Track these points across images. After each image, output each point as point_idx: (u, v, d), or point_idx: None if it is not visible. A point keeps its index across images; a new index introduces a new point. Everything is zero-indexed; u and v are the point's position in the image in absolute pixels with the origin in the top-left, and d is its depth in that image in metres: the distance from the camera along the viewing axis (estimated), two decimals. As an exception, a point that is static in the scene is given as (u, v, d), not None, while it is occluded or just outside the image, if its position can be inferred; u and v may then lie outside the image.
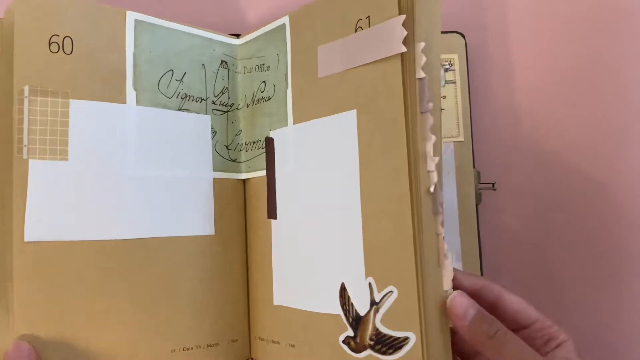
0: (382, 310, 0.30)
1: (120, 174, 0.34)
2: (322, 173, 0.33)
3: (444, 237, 0.29)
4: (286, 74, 0.36)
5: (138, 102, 0.35)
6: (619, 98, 0.47)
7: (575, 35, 0.47)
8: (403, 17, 0.29)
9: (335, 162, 0.32)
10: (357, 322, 0.31)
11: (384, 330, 0.29)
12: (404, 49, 0.29)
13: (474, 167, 0.44)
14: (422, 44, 0.28)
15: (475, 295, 0.30)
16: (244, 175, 0.39)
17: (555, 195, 0.46)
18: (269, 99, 0.38)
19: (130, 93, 0.35)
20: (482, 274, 0.43)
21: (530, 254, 0.46)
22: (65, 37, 0.32)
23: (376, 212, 0.30)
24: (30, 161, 0.31)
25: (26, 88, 0.31)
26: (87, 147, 0.33)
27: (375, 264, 0.30)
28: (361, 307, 0.31)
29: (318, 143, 0.34)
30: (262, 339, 0.37)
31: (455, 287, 0.30)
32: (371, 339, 0.30)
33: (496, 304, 0.30)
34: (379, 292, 0.30)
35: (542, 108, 0.47)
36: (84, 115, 0.33)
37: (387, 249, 0.29)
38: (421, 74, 0.28)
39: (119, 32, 0.35)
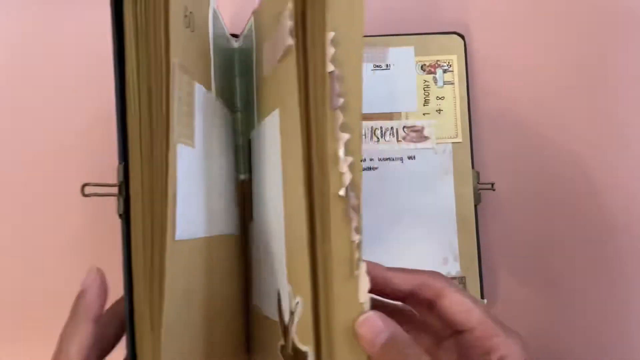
0: (295, 321, 0.28)
1: (212, 166, 0.32)
2: (266, 174, 0.33)
3: (358, 245, 0.26)
4: (253, 74, 0.36)
5: (216, 93, 0.33)
6: (619, 99, 0.47)
7: (575, 35, 0.47)
8: (290, 7, 0.27)
9: (271, 163, 0.31)
10: (285, 331, 0.29)
11: (296, 342, 0.28)
12: (290, 41, 0.27)
13: (472, 167, 0.44)
14: (331, 34, 0.26)
15: (412, 294, 0.28)
16: (242, 177, 0.40)
17: (555, 196, 0.46)
18: (250, 101, 0.38)
19: (213, 83, 0.32)
20: (480, 275, 0.43)
21: (530, 254, 0.46)
22: (190, 12, 0.29)
23: (290, 216, 0.29)
24: (178, 146, 0.27)
25: (176, 61, 0.27)
26: (201, 134, 0.30)
27: (292, 271, 0.29)
28: (286, 315, 0.29)
29: (263, 145, 0.33)
30: (252, 342, 0.38)
31: (387, 289, 0.28)
32: (292, 350, 0.28)
33: (434, 304, 0.27)
34: (294, 301, 0.28)
35: (542, 108, 0.47)
36: (199, 99, 0.30)
37: (296, 256, 0.28)
38: (330, 67, 0.26)
39: (206, 17, 0.32)
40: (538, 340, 0.45)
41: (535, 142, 0.47)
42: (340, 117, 0.26)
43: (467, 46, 0.45)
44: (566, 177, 0.46)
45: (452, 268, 0.43)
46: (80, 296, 0.27)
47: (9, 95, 0.46)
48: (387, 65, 0.45)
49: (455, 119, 0.44)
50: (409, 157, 0.44)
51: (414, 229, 0.43)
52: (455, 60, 0.45)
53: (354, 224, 0.26)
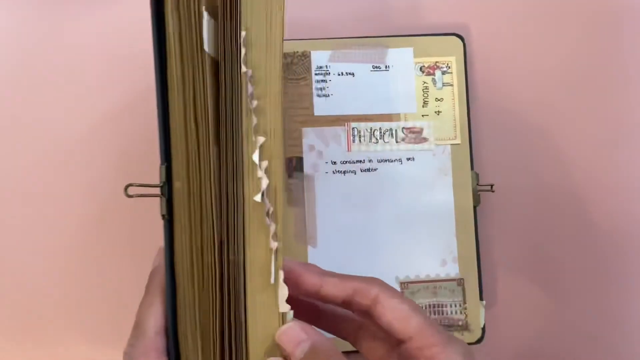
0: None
1: None
2: None
3: (276, 252, 0.25)
4: None
5: None
6: (618, 99, 0.46)
7: (575, 36, 0.47)
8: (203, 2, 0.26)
9: None
10: None
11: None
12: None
13: (472, 169, 0.44)
14: (243, 34, 0.25)
15: (346, 302, 0.27)
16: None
17: (554, 197, 0.46)
18: None
19: None
20: (479, 276, 0.43)
21: (530, 256, 0.46)
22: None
23: None
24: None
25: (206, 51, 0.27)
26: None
27: None
28: None
29: None
30: None
31: (319, 296, 0.27)
32: None
33: (371, 311, 0.26)
34: None
35: (541, 109, 0.47)
36: None
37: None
38: (242, 67, 0.25)
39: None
40: (538, 342, 0.45)
41: (535, 143, 0.47)
42: (254, 120, 0.25)
43: (466, 48, 0.45)
44: (566, 178, 0.46)
45: (451, 270, 0.43)
46: (152, 274, 0.28)
47: (37, 96, 0.45)
48: (386, 67, 0.45)
49: (454, 120, 0.44)
50: (408, 159, 0.44)
51: (412, 230, 0.43)
52: (454, 61, 0.45)
53: (272, 230, 0.25)
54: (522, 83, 0.47)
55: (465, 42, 0.45)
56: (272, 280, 0.25)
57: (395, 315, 0.25)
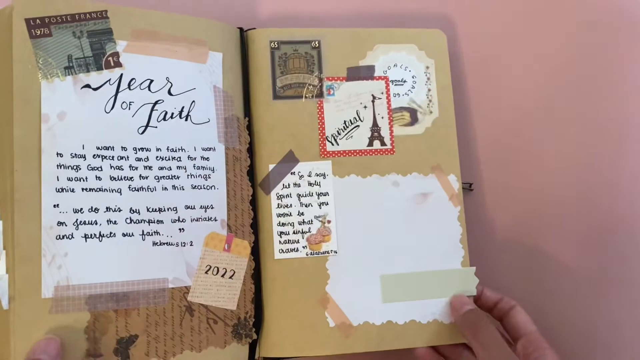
0: None
1: None
2: None
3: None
4: None
5: None
6: (600, 101, 0.48)
7: (560, 37, 0.48)
8: None
9: None
10: None
11: None
12: None
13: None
14: None
15: (495, 304, 0.40)
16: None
17: (536, 196, 0.47)
18: None
19: None
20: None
21: (513, 253, 0.46)
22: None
23: None
24: None
25: None
26: None
27: None
28: None
29: None
30: None
31: (482, 296, 0.40)
32: None
33: (508, 314, 0.39)
34: None
35: (524, 110, 0.47)
36: None
37: None
38: None
39: None
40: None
41: (518, 144, 0.47)
42: None
43: (449, 44, 0.44)
44: (549, 177, 0.47)
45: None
46: None
47: None
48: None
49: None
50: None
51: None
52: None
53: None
54: (507, 81, 0.48)
55: (452, 40, 0.45)
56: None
57: (525, 319, 0.39)
